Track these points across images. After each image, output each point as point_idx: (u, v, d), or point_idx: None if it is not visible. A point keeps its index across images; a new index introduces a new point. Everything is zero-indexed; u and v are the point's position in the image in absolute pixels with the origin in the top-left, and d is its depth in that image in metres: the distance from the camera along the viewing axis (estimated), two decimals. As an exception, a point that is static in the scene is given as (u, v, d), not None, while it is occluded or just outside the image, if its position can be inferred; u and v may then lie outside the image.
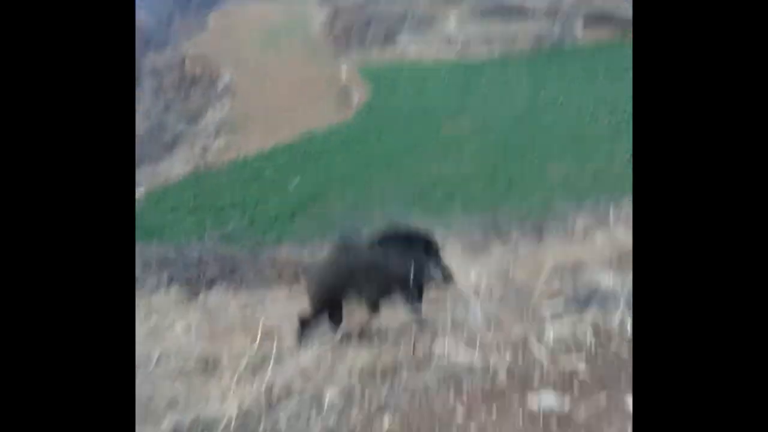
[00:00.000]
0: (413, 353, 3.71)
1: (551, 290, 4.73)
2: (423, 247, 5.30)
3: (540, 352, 3.10)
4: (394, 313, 5.08)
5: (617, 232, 10.88)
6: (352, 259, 5.08)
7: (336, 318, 4.99)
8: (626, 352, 2.99)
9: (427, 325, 4.61)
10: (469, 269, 7.30)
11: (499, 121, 24.66)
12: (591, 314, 3.58)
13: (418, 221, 15.31)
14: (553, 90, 28.15)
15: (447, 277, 5.37)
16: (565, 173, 18.76)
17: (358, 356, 3.73)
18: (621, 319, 3.36)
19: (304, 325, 4.95)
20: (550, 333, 3.30)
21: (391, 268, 4.96)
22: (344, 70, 38.09)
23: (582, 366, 2.91)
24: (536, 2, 39.41)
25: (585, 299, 3.98)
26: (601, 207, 12.65)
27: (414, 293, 5.06)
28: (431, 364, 3.39)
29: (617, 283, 5.72)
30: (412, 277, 4.90)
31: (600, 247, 10.07)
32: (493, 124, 24.25)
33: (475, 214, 14.45)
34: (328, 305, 5.02)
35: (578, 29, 35.20)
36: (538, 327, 3.48)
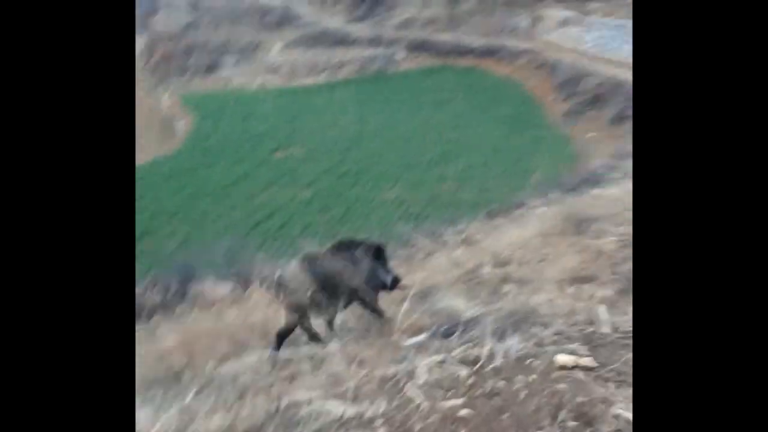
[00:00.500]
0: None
1: (411, 321, 4.57)
2: (373, 254, 5.84)
3: (417, 395, 2.90)
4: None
5: (456, 254, 11.20)
6: (319, 270, 5.57)
7: (309, 328, 5.58)
8: (503, 386, 2.87)
9: (389, 323, 5.20)
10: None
11: (329, 147, 24.74)
12: (457, 347, 3.46)
13: (257, 251, 14.91)
14: (381, 116, 28.84)
15: (396, 281, 6.03)
16: (399, 197, 19.13)
17: (212, 420, 3.32)
18: (489, 349, 3.26)
19: (282, 337, 5.55)
20: (423, 372, 3.12)
21: (350, 276, 5.57)
22: (165, 100, 36.52)
23: (462, 410, 2.75)
24: (360, 31, 40.53)
25: (447, 330, 3.86)
26: (438, 230, 13.00)
27: (371, 297, 5.67)
28: (297, 420, 3.08)
29: (471, 308, 5.75)
30: (366, 282, 5.55)
31: (445, 269, 10.29)
32: (324, 150, 24.29)
33: (314, 241, 14.19)
34: (303, 316, 5.56)
35: (401, 56, 36.56)
36: (407, 366, 3.30)
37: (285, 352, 5.31)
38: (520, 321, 3.71)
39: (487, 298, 6.41)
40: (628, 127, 22.69)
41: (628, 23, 28.53)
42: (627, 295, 4.72)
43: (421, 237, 12.96)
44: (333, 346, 3.76)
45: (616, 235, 9.53)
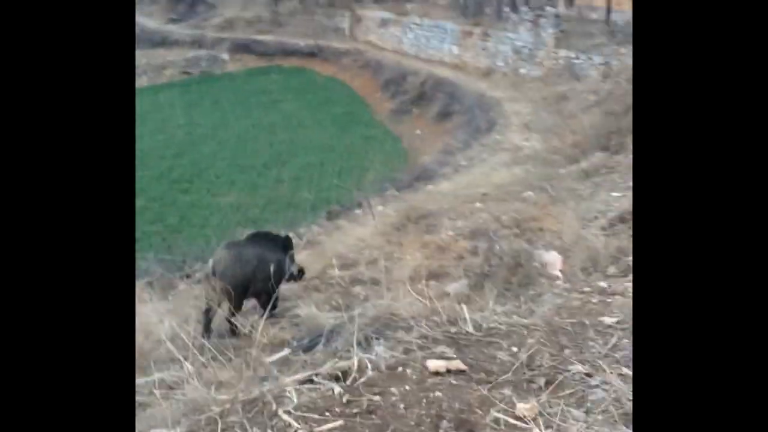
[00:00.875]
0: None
1: (268, 334, 4.41)
2: (282, 246, 6.60)
3: (291, 421, 2.77)
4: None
5: (300, 258, 11.10)
6: (247, 254, 6.18)
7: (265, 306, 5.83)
8: (379, 400, 2.83)
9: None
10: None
11: (158, 153, 23.49)
12: (323, 361, 3.38)
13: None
14: (210, 118, 27.92)
15: (300, 273, 6.86)
16: (236, 202, 18.59)
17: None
18: (358, 361, 3.19)
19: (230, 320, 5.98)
20: (292, 393, 3.00)
21: (268, 263, 6.04)
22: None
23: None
24: (180, 31, 38.90)
25: (310, 343, 3.77)
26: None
27: (274, 286, 6.04)
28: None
29: (329, 315, 5.67)
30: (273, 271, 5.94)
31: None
32: (153, 156, 23.02)
33: (149, 252, 13.41)
34: (238, 303, 6.07)
35: (225, 57, 35.61)
36: (274, 387, 3.15)
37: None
38: (382, 327, 3.71)
39: (342, 303, 6.39)
40: (451, 123, 23.83)
41: (444, 24, 29.97)
42: (480, 290, 4.89)
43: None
44: (188, 367, 3.49)
45: (454, 229, 9.94)
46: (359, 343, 3.35)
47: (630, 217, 7.56)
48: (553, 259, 4.97)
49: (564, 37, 23.92)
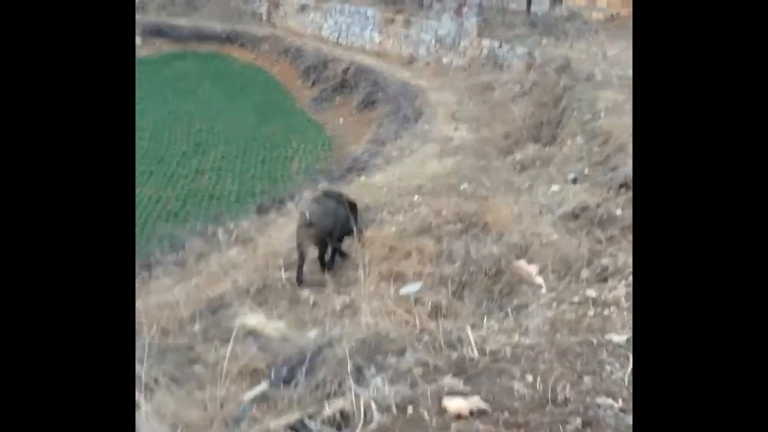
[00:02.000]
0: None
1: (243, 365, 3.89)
2: (349, 205, 7.49)
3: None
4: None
5: (232, 255, 10.49)
6: (331, 210, 7.19)
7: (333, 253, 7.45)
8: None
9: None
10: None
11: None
12: (311, 397, 2.96)
13: None
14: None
15: (361, 232, 7.53)
16: (155, 195, 17.58)
17: None
18: (360, 401, 2.77)
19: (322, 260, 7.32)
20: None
21: (340, 215, 7.16)
22: None
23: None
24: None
25: (289, 373, 3.33)
26: (206, 228, 12.11)
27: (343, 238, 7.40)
28: None
29: (296, 333, 5.23)
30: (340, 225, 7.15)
31: (216, 271, 9.54)
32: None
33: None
34: (325, 247, 7.18)
35: (137, 42, 33.80)
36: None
37: None
38: (368, 350, 3.33)
39: (304, 315, 5.94)
40: (375, 112, 23.52)
41: (365, 10, 29.53)
42: (460, 300, 4.58)
43: (189, 237, 11.97)
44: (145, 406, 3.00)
45: (395, 224, 9.62)
46: (349, 373, 2.96)
47: (582, 213, 7.48)
48: (528, 267, 4.72)
49: (486, 27, 24.01)
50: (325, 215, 7.23)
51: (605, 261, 4.96)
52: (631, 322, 3.45)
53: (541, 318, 3.73)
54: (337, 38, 31.29)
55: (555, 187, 10.30)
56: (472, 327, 3.46)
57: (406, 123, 18.42)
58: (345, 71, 27.15)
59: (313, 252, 7.36)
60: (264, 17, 36.56)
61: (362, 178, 13.33)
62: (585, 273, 4.90)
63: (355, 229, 7.34)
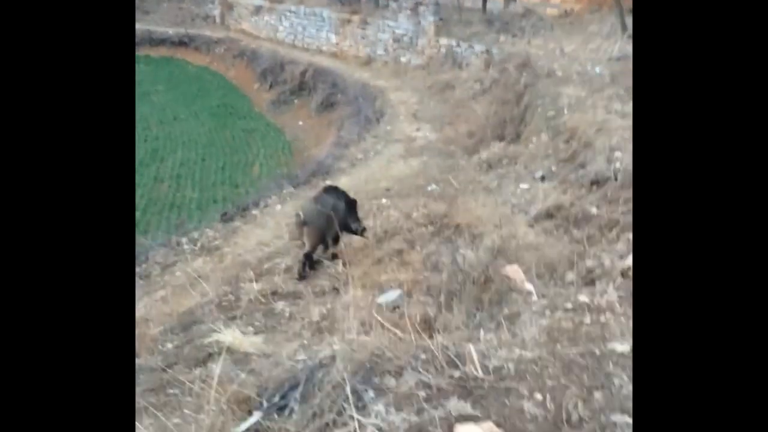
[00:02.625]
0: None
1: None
2: (348, 202, 7.81)
3: None
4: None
5: (197, 265, 10.17)
6: (324, 206, 7.40)
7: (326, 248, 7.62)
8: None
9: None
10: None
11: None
12: (307, 425, 2.79)
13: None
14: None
15: (363, 230, 8.02)
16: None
17: None
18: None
19: (309, 259, 7.49)
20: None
21: (338, 212, 7.51)
22: None
23: None
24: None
25: (282, 400, 3.14)
26: (169, 237, 11.73)
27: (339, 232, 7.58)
28: None
29: (273, 348, 5.01)
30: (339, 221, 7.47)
31: (183, 283, 9.22)
32: None
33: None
34: (317, 244, 7.45)
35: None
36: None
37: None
38: (365, 371, 3.16)
39: (281, 328, 5.72)
40: (335, 114, 23.30)
41: (321, 11, 29.26)
42: (449, 311, 4.44)
43: (153, 247, 11.58)
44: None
45: (367, 228, 9.46)
46: (347, 398, 2.80)
47: (557, 212, 7.44)
48: (511, 271, 4.60)
49: (443, 25, 24.01)
50: (319, 215, 7.51)
51: (589, 263, 4.90)
52: (629, 328, 3.37)
53: (536, 327, 3.63)
54: (293, 40, 30.94)
55: (524, 186, 10.28)
56: (469, 341, 3.33)
57: (368, 124, 18.24)
58: (303, 73, 26.82)
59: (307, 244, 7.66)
60: (217, 20, 35.95)
61: (327, 182, 13.12)
62: (570, 276, 4.82)
63: (353, 227, 7.89)
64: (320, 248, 7.89)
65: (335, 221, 7.54)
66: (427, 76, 22.84)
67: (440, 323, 4.15)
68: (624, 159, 8.10)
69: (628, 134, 9.24)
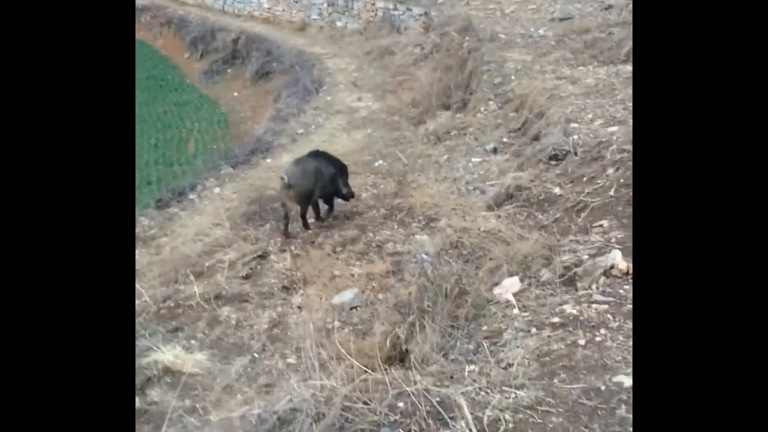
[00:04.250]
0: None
1: None
2: (337, 166, 8.01)
3: None
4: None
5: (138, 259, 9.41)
6: (310, 170, 7.65)
7: (316, 210, 8.13)
8: None
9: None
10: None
11: None
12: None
13: None
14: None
15: (350, 194, 8.26)
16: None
17: None
18: None
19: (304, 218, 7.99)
20: None
21: (325, 172, 7.79)
22: None
23: None
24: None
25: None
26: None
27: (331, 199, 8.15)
28: None
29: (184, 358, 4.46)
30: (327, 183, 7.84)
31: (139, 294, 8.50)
32: None
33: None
34: (306, 205, 7.84)
35: None
36: None
37: None
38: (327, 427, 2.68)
39: (227, 337, 5.16)
40: (271, 83, 22.36)
41: (251, -26, 27.95)
42: (421, 331, 3.94)
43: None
44: None
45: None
46: None
47: (517, 193, 7.02)
48: (508, 284, 4.14)
49: (380, -12, 23.18)
50: (304, 176, 7.67)
51: (566, 258, 4.48)
52: (629, 348, 2.97)
53: (522, 349, 3.19)
54: (223, 6, 29.54)
55: (475, 159, 9.87)
56: (452, 377, 2.87)
57: (306, 95, 17.42)
58: (235, 41, 25.58)
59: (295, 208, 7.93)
60: (141, -14, 34.04)
61: (268, 161, 12.42)
62: (546, 274, 4.40)
63: (344, 191, 8.10)
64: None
65: (321, 183, 7.80)
66: (365, 41, 22.06)
67: (413, 347, 3.67)
68: (581, 130, 7.73)
69: (582, 102, 8.90)
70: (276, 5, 26.98)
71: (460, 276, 4.33)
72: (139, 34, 30.24)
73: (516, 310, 3.66)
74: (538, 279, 4.34)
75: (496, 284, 4.48)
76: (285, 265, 6.95)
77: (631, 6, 14.31)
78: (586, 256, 4.40)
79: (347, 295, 5.83)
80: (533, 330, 3.32)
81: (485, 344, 3.22)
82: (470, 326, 3.79)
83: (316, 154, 8.20)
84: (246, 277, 6.84)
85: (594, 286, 3.99)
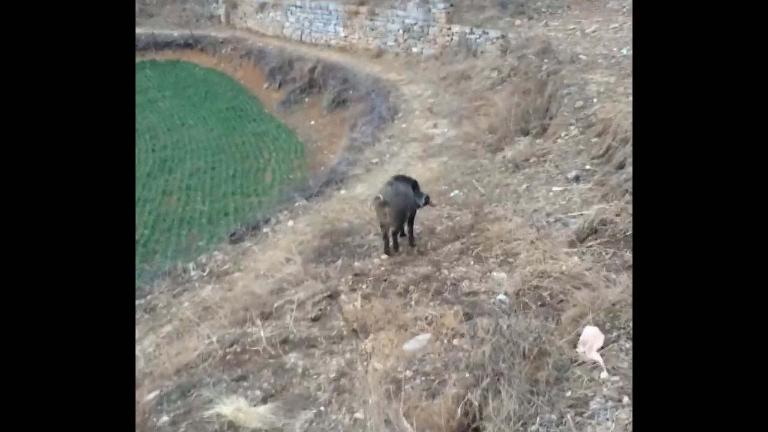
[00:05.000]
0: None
1: None
2: (412, 185, 8.68)
3: None
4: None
5: (206, 293, 9.39)
6: (401, 191, 8.39)
7: (410, 231, 8.68)
8: None
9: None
10: None
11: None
12: None
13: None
14: None
15: (429, 201, 8.99)
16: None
17: None
18: None
19: (395, 237, 8.53)
20: None
21: (410, 195, 8.54)
22: None
23: None
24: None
25: None
26: (174, 263, 10.98)
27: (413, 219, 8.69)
28: None
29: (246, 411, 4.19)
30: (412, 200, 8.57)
31: (189, 318, 8.46)
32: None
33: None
34: (402, 221, 8.45)
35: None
36: None
37: None
38: None
39: (292, 387, 4.88)
40: (348, 111, 22.42)
41: (327, 4, 28.30)
42: (496, 397, 3.53)
43: (158, 275, 10.83)
44: None
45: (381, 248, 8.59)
46: None
47: (601, 228, 6.49)
48: (590, 337, 3.68)
49: (455, 12, 22.94)
50: (396, 195, 8.31)
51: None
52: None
53: (613, 423, 2.73)
54: (301, 36, 30.04)
55: (556, 188, 9.35)
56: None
57: (381, 123, 17.29)
58: (312, 70, 25.90)
59: (393, 226, 8.45)
60: (222, 19, 35.13)
61: (342, 192, 12.26)
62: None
63: (420, 202, 8.76)
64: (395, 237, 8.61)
65: (409, 201, 8.50)
66: (441, 66, 21.83)
67: (488, 415, 3.24)
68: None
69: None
70: (352, 33, 27.19)
71: (540, 333, 3.86)
72: (220, 66, 31.17)
73: (604, 374, 3.20)
74: (627, 331, 3.85)
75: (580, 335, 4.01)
76: (356, 306, 6.65)
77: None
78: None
79: (419, 341, 5.46)
80: (625, 399, 2.86)
81: (569, 415, 2.78)
82: (552, 392, 3.33)
83: (400, 177, 8.95)
84: (315, 319, 6.58)
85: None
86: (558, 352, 3.64)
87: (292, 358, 5.74)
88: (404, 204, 8.41)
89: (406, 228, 8.65)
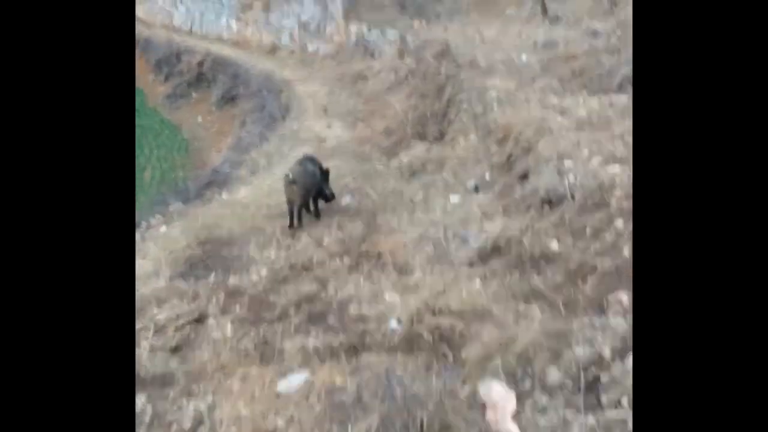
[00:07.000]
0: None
1: None
2: (325, 174, 9.49)
3: None
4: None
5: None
6: (309, 170, 9.15)
7: (309, 207, 9.26)
8: None
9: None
10: None
11: None
12: None
13: None
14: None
15: (332, 195, 9.53)
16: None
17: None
18: None
19: (300, 212, 9.01)
20: None
21: (317, 176, 9.28)
22: None
23: None
24: None
25: None
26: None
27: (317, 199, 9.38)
28: None
29: None
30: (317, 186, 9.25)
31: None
32: None
33: None
34: (307, 199, 9.12)
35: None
36: None
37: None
38: None
39: None
40: (237, 108, 21.21)
41: (220, -5, 26.86)
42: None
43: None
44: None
45: (265, 263, 7.66)
46: None
47: (505, 246, 5.85)
48: (498, 400, 2.92)
49: (353, 10, 22.23)
50: (305, 174, 8.87)
51: (580, 350, 3.30)
52: None
53: None
54: (191, 27, 28.39)
55: (454, 199, 8.71)
56: None
57: (272, 122, 16.27)
58: (201, 64, 24.42)
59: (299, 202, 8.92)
60: (105, 5, 32.78)
61: (224, 195, 11.16)
62: (554, 375, 3.22)
63: (327, 193, 9.29)
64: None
65: (316, 180, 9.02)
66: (337, 65, 21.04)
67: None
68: (577, 169, 6.64)
69: (575, 136, 7.81)
70: (245, 27, 25.89)
71: (441, 398, 3.06)
72: (101, 56, 28.91)
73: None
74: (545, 382, 3.16)
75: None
76: (225, 333, 5.68)
77: (619, 33, 13.44)
78: (608, 351, 3.23)
79: (295, 381, 4.59)
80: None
81: None
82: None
83: (309, 158, 9.46)
84: (175, 350, 5.55)
85: (626, 401, 2.86)
86: (464, 423, 2.86)
87: (140, 400, 4.70)
88: (311, 183, 9.05)
89: (311, 205, 9.21)
